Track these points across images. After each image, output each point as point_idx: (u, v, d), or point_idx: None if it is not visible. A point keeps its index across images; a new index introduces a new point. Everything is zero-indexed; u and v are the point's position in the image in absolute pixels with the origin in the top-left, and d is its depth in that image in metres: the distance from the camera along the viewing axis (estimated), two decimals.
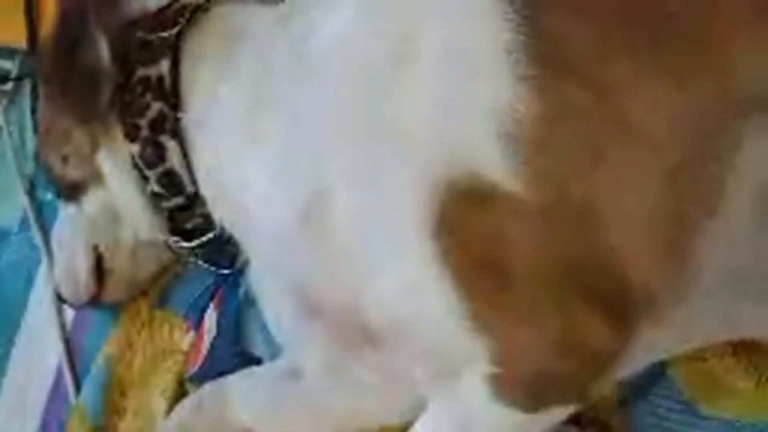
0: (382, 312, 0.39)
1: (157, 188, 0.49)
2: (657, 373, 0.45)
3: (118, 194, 0.51)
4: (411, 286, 0.37)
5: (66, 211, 0.55)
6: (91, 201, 0.52)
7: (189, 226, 0.51)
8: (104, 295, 0.56)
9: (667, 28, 0.36)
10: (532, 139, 0.35)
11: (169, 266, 0.59)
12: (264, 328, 0.53)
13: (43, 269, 0.65)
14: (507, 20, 0.36)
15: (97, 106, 0.47)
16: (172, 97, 0.46)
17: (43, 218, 0.66)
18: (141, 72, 0.47)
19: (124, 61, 0.47)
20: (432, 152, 0.36)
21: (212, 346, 0.54)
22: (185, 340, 0.55)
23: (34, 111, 0.67)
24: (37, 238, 0.65)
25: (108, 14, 0.46)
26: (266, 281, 0.46)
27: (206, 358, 0.54)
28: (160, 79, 0.46)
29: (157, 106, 0.46)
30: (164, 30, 0.47)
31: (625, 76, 0.35)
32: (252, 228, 0.44)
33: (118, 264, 0.54)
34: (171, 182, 0.48)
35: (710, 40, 0.35)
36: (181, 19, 0.47)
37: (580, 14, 0.36)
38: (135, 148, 0.48)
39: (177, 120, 0.46)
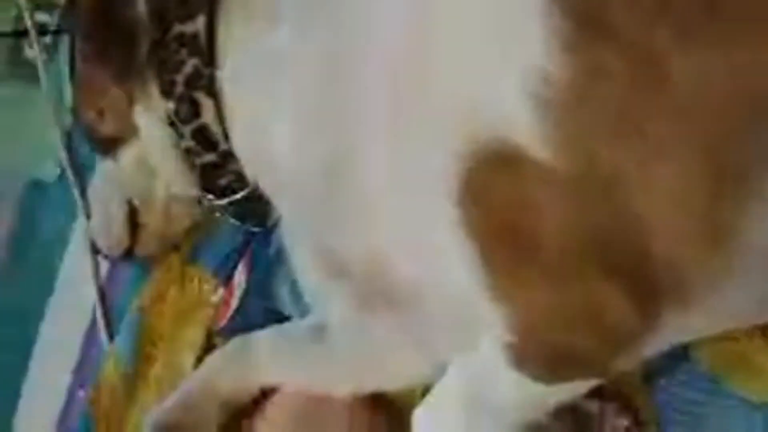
0: (404, 274, 0.39)
1: (190, 144, 0.49)
2: (681, 350, 0.45)
3: (152, 149, 0.51)
4: (434, 250, 0.37)
5: (102, 165, 0.56)
6: (126, 155, 0.53)
7: (221, 182, 0.51)
8: (137, 248, 0.58)
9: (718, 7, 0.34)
10: (563, 103, 0.34)
11: (200, 222, 0.60)
12: (293, 286, 0.54)
13: (80, 222, 0.68)
14: None
15: (133, 62, 0.47)
16: (208, 54, 0.46)
17: (81, 172, 0.69)
18: (177, 28, 0.47)
19: (160, 17, 0.47)
20: (459, 114, 0.36)
21: (241, 301, 0.55)
22: (215, 296, 0.57)
23: (72, 65, 0.68)
24: (75, 190, 0.68)
25: None
26: (295, 239, 0.46)
27: (235, 313, 0.55)
28: (196, 35, 0.46)
29: (192, 62, 0.47)
30: None
31: (667, 43, 0.34)
32: (282, 184, 0.45)
33: (151, 218, 0.55)
34: (204, 138, 0.49)
35: (760, 11, 0.34)
36: None
37: None
38: (170, 104, 0.48)
39: (212, 76, 0.47)
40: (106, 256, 0.60)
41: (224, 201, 0.51)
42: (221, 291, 0.56)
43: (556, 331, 0.36)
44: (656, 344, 0.39)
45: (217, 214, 0.55)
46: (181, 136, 0.49)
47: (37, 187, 0.71)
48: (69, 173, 0.68)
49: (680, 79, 0.34)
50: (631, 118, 0.34)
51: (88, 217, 0.63)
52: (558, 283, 0.36)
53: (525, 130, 0.34)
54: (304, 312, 0.54)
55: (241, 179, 0.51)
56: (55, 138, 0.70)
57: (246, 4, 0.47)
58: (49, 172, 0.69)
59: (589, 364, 0.37)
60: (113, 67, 0.49)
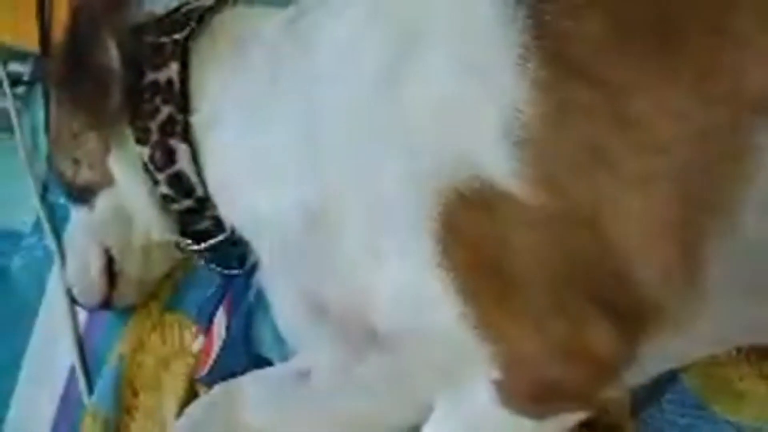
0: (388, 316, 0.38)
1: (166, 190, 0.49)
2: (670, 378, 0.45)
3: (128, 197, 0.51)
4: (416, 290, 0.37)
5: (78, 214, 0.56)
6: (103, 203, 0.52)
7: (199, 228, 0.51)
8: (116, 297, 0.57)
9: (676, 28, 0.35)
10: (536, 141, 0.35)
11: (179, 268, 0.60)
12: (274, 329, 0.53)
13: (55, 272, 0.67)
14: (513, 20, 0.36)
15: (107, 109, 0.47)
16: (182, 101, 0.46)
17: (56, 221, 0.68)
18: (151, 76, 0.47)
19: (133, 64, 0.47)
20: (436, 154, 0.36)
21: (222, 348, 0.54)
22: (195, 343, 0.56)
23: (47, 114, 0.68)
24: (50, 240, 0.67)
25: (117, 18, 0.46)
26: (276, 282, 0.46)
27: (216, 361, 0.54)
28: (170, 82, 0.46)
29: (166, 110, 0.47)
30: (173, 33, 0.47)
31: (632, 77, 0.35)
32: (264, 230, 0.44)
33: (130, 266, 0.55)
34: (180, 185, 0.48)
35: (721, 41, 0.35)
36: (190, 23, 0.47)
37: (588, 14, 0.36)
38: (145, 151, 0.48)
39: (186, 123, 0.47)
40: (84, 307, 0.60)
41: (202, 246, 0.51)
42: (201, 338, 0.55)
43: (543, 365, 0.35)
44: (641, 372, 0.39)
45: (196, 259, 0.55)
46: (156, 182, 0.49)
47: (11, 236, 0.70)
48: (44, 222, 0.68)
49: (643, 111, 0.35)
50: (602, 151, 0.35)
51: (64, 267, 0.63)
52: (542, 318, 0.36)
53: (501, 167, 0.35)
54: (286, 356, 0.54)
55: (218, 224, 0.50)
56: (29, 187, 0.69)
57: (218, 52, 0.47)
58: (24, 221, 0.69)
59: (576, 396, 0.37)
60: (87, 113, 0.48)
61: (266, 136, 0.43)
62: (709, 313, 0.37)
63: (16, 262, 0.69)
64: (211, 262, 0.54)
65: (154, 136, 0.47)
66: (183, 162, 0.47)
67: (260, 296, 0.54)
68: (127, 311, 0.60)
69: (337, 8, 0.43)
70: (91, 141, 0.50)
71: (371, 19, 0.41)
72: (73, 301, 0.60)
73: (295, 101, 0.42)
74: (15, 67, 0.74)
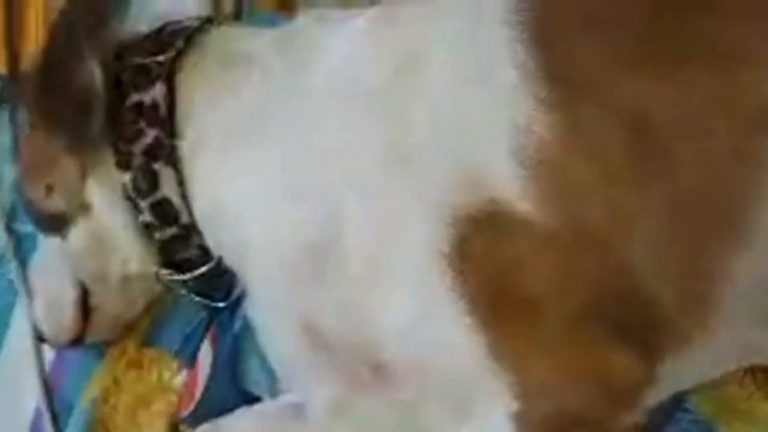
0: (397, 346, 0.37)
1: (149, 218, 0.46)
2: (676, 400, 0.44)
3: (107, 226, 0.48)
4: (429, 319, 0.35)
5: (48, 245, 0.52)
6: (77, 233, 0.49)
7: (183, 257, 0.48)
8: (89, 333, 0.53)
9: (684, 44, 0.35)
10: (548, 162, 0.34)
11: (157, 302, 0.56)
12: (263, 363, 0.50)
13: (20, 306, 0.62)
14: (521, 41, 0.36)
15: (88, 133, 0.44)
16: (168, 124, 0.44)
17: (22, 252, 0.64)
18: (135, 97, 0.44)
19: (116, 85, 0.44)
20: (446, 177, 0.35)
21: (208, 385, 0.51)
22: (177, 380, 0.52)
23: (14, 139, 0.64)
24: (14, 273, 0.62)
25: (99, 37, 0.44)
26: (270, 314, 0.43)
27: (202, 398, 0.51)
28: (155, 104, 0.44)
29: (152, 133, 0.44)
30: (158, 54, 0.45)
31: (642, 96, 0.34)
32: (256, 259, 0.42)
33: (105, 300, 0.51)
34: (165, 212, 0.46)
35: (729, 56, 0.35)
36: (176, 43, 0.45)
37: (596, 33, 0.36)
38: (127, 176, 0.45)
39: (173, 147, 0.44)
40: (53, 345, 0.55)
41: (186, 276, 0.48)
42: (184, 373, 0.52)
43: (563, 393, 0.34)
44: (657, 395, 0.38)
45: (178, 291, 0.52)
46: (138, 210, 0.46)
47: None
48: (7, 253, 0.64)
49: (659, 133, 0.34)
50: (613, 172, 0.34)
51: (30, 302, 0.59)
52: (560, 344, 0.34)
53: (513, 190, 0.34)
54: (276, 391, 0.51)
55: (204, 253, 0.48)
56: None
57: (206, 73, 0.45)
58: None
59: (597, 423, 0.35)
60: (64, 136, 0.45)
61: (259, 160, 0.41)
62: (725, 333, 0.36)
63: None
64: (194, 293, 0.51)
65: (137, 161, 0.45)
66: (168, 188, 0.45)
67: (246, 328, 0.52)
68: (100, 349, 0.56)
69: (334, 29, 0.42)
70: (67, 166, 0.47)
71: (368, 38, 0.40)
72: (40, 339, 0.56)
73: (288, 123, 0.40)
74: None
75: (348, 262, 0.37)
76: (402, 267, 0.36)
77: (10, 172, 0.66)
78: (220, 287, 0.50)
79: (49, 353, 0.59)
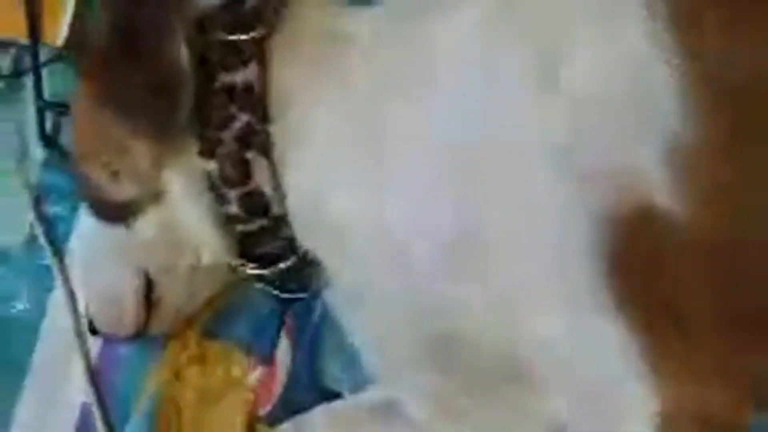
0: (540, 349, 0.35)
1: (235, 210, 0.42)
2: None
3: (182, 216, 0.44)
4: (579, 324, 0.33)
5: (103, 233, 0.47)
6: (147, 223, 0.44)
7: (264, 250, 0.44)
8: (151, 326, 0.49)
9: None
10: (699, 165, 0.32)
11: (219, 292, 0.53)
12: (343, 357, 0.47)
13: (57, 295, 0.58)
14: (670, 42, 0.33)
15: (171, 118, 0.39)
16: (261, 108, 0.40)
17: (56, 236, 0.58)
18: (224, 78, 0.40)
19: (203, 64, 0.40)
20: (597, 181, 0.33)
21: (287, 382, 0.48)
22: (252, 376, 0.49)
23: (41, 111, 0.59)
24: (50, 259, 0.57)
25: (185, 6, 0.39)
26: (375, 303, 0.40)
27: (281, 397, 0.48)
28: (248, 86, 0.40)
29: (244, 118, 0.40)
30: (246, 29, 0.41)
31: None
32: (362, 248, 0.39)
33: (172, 291, 0.47)
34: (254, 203, 0.42)
35: None
36: (266, 18, 0.41)
37: (746, 41, 0.34)
38: (213, 165, 0.41)
39: (267, 134, 0.40)
40: (108, 337, 0.52)
41: (267, 271, 0.45)
42: (260, 370, 0.49)
43: (715, 410, 0.33)
44: None
45: (253, 283, 0.49)
46: (223, 201, 0.42)
47: None
48: (39, 237, 0.58)
49: None
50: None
51: (71, 293, 0.54)
52: (714, 353, 0.33)
53: (666, 194, 0.32)
54: (357, 386, 0.49)
55: (290, 245, 0.44)
56: (16, 200, 0.60)
57: (303, 54, 0.40)
58: (11, 238, 0.59)
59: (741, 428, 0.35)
60: (141, 121, 0.40)
61: (378, 155, 0.37)
62: None
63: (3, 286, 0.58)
64: (273, 286, 0.47)
65: (227, 148, 0.40)
66: (260, 178, 0.41)
67: (325, 320, 0.49)
68: (156, 342, 0.53)
69: (453, 15, 0.38)
70: (139, 152, 0.42)
71: (497, 23, 0.36)
72: (91, 332, 0.52)
73: (409, 116, 0.37)
74: None
75: (489, 261, 0.34)
76: (550, 270, 0.34)
77: (36, 150, 0.61)
78: (300, 279, 0.48)
79: (94, 346, 0.56)
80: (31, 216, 0.58)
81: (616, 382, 0.33)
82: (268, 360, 0.49)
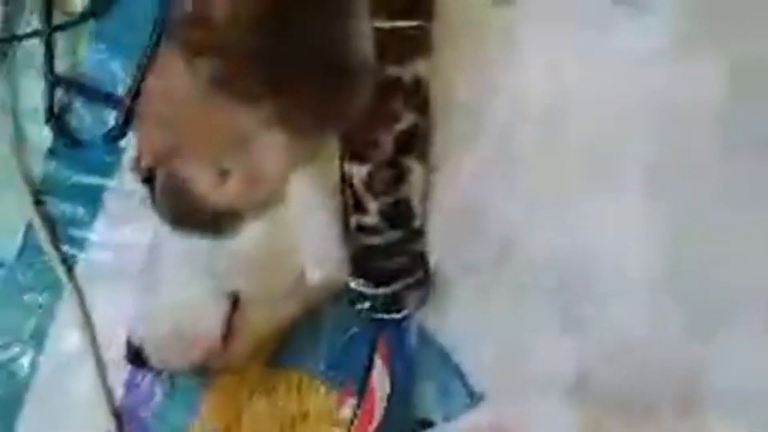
0: (727, 377, 0.34)
1: (373, 221, 0.36)
2: None
3: (299, 227, 0.37)
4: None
5: (184, 245, 0.38)
6: (251, 234, 0.37)
7: (387, 266, 0.39)
8: (226, 357, 0.40)
9: None
10: None
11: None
12: (440, 381, 0.43)
13: (66, 311, 0.46)
14: None
15: (343, 110, 0.33)
16: (428, 108, 0.35)
17: (59, 237, 0.47)
18: (392, 71, 0.34)
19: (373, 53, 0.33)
20: None
21: (385, 415, 0.43)
22: (344, 409, 0.43)
23: (52, 87, 0.47)
24: (58, 269, 0.45)
25: None
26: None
27: (380, 429, 0.43)
28: (417, 81, 0.34)
29: (410, 118, 0.35)
30: (405, 16, 0.35)
31: None
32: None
33: (258, 317, 0.39)
34: (398, 214, 0.36)
35: None
36: (426, 6, 0.35)
37: None
38: (361, 169, 0.35)
39: (428, 136, 0.35)
40: (160, 370, 0.42)
41: (388, 289, 0.39)
42: (351, 402, 0.43)
43: None
44: None
45: (359, 305, 0.42)
46: (359, 210, 0.36)
47: None
48: (43, 240, 0.46)
49: None
50: None
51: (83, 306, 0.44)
52: None
53: None
54: (450, 415, 0.44)
55: (415, 261, 0.39)
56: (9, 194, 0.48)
57: (463, 48, 0.35)
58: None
59: None
60: (297, 110, 0.32)
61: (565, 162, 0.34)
62: None
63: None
64: (381, 309, 0.41)
65: (384, 152, 0.35)
66: (412, 187, 0.36)
67: (426, 342, 0.44)
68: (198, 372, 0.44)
69: None
70: (271, 147, 0.34)
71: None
72: (138, 363, 0.42)
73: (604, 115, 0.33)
74: None
75: (693, 287, 0.32)
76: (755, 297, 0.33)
77: (40, 136, 0.49)
78: (410, 298, 0.42)
79: (116, 377, 0.46)
80: (28, 216, 0.47)
81: None
82: (361, 390, 0.43)
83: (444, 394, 0.44)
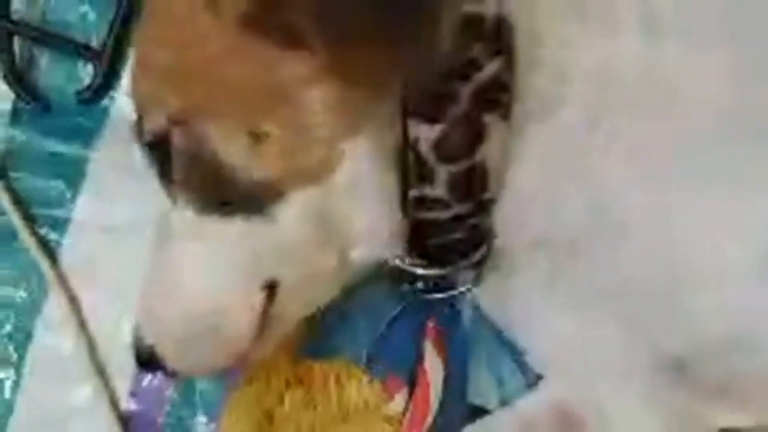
0: None
1: (439, 192, 0.31)
2: None
3: (348, 201, 0.30)
4: None
5: (208, 228, 0.31)
6: (294, 211, 0.30)
7: (442, 241, 0.33)
8: (253, 352, 0.34)
9: None
10: None
11: None
12: (493, 367, 0.39)
13: (48, 314, 0.39)
14: None
15: (412, 59, 0.26)
16: (513, 55, 0.29)
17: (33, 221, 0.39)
18: (469, 7, 0.28)
19: None
20: None
21: (440, 405, 0.38)
22: (396, 402, 0.38)
23: (9, 36, 0.37)
24: (43, 265, 0.37)
25: None
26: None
27: (433, 424, 0.37)
28: (500, 22, 0.28)
29: (492, 67, 0.28)
30: None
31: None
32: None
33: (296, 304, 0.33)
34: (470, 183, 0.31)
35: None
36: None
37: None
38: (431, 129, 0.29)
39: (513, 92, 0.29)
40: (178, 375, 0.35)
41: (450, 268, 0.34)
42: (403, 395, 0.37)
43: None
44: None
45: (403, 287, 0.36)
46: (424, 180, 0.30)
47: None
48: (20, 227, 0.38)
49: None
50: None
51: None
52: None
53: None
54: (505, 400, 0.40)
55: (478, 237, 0.33)
56: None
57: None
58: None
59: None
60: (360, 55, 0.25)
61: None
62: None
63: None
64: (433, 289, 0.36)
65: (460, 108, 0.29)
66: (491, 150, 0.30)
67: (482, 325, 0.39)
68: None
69: None
70: (309, 103, 0.27)
71: None
72: (150, 367, 0.35)
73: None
74: None
75: None
76: None
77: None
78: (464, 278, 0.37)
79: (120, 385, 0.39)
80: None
81: None
82: (411, 381, 0.38)
83: (499, 377, 0.40)
